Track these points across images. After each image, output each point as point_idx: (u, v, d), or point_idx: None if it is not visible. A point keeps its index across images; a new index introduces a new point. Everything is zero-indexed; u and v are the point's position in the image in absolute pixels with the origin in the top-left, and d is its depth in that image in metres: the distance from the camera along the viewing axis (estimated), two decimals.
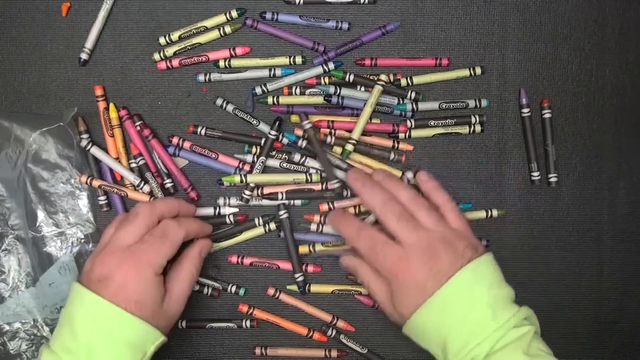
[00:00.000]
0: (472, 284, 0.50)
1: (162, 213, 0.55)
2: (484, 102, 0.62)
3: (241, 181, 0.61)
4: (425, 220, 0.53)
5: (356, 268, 0.57)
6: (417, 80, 0.62)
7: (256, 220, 0.62)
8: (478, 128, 0.62)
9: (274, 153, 0.62)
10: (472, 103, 0.62)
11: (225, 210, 0.62)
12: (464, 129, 0.62)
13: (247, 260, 0.63)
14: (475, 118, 0.62)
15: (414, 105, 0.61)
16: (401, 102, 0.62)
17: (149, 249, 0.52)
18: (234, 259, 0.63)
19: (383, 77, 0.60)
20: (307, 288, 0.63)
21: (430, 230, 0.53)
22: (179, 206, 0.57)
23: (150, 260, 0.52)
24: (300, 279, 0.62)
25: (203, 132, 0.62)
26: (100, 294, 0.50)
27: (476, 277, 0.51)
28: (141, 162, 0.61)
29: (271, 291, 0.63)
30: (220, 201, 0.62)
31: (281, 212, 0.61)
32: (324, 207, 0.62)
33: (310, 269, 0.63)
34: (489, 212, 0.63)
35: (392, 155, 0.62)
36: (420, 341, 0.53)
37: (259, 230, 0.62)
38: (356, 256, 0.57)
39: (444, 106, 0.62)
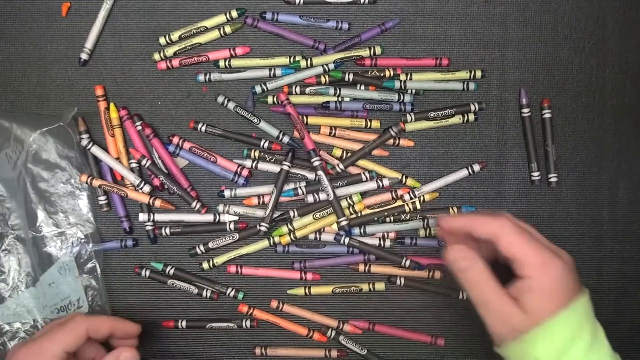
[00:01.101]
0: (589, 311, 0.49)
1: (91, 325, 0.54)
2: (472, 86, 0.62)
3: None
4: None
5: (470, 265, 0.49)
6: (416, 77, 0.62)
7: (257, 227, 0.61)
8: (472, 117, 0.62)
9: (272, 158, 0.62)
10: (460, 86, 0.62)
11: (225, 218, 0.62)
12: (459, 119, 0.62)
13: (246, 270, 0.63)
14: (475, 106, 0.62)
15: (402, 85, 0.61)
16: (401, 97, 0.61)
17: (49, 336, 0.52)
18: (232, 269, 0.63)
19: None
20: (307, 290, 0.63)
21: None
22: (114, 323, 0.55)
23: (45, 348, 0.51)
24: (344, 223, 0.61)
25: (203, 128, 0.62)
26: None
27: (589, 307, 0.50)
28: (147, 164, 0.61)
29: (274, 304, 0.63)
30: (220, 208, 0.62)
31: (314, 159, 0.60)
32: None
33: (310, 276, 0.63)
34: None
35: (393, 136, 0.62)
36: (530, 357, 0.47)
37: (264, 244, 0.62)
38: (466, 248, 0.49)
39: (435, 86, 0.61)
